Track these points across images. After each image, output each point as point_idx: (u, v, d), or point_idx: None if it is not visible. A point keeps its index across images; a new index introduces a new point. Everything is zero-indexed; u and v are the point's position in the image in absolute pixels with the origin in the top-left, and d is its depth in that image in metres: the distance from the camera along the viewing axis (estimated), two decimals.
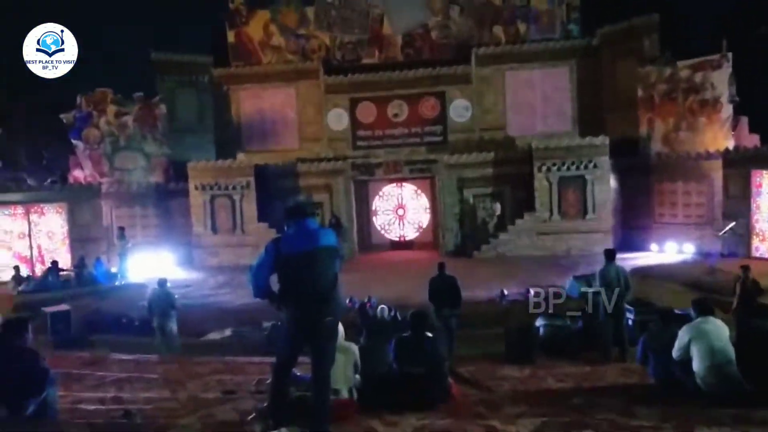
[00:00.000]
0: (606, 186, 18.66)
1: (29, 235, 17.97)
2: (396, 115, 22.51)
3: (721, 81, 17.99)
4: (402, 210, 22.64)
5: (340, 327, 4.67)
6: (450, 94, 22.28)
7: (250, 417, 4.60)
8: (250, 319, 12.01)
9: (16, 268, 16.06)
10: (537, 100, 22.24)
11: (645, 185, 19.18)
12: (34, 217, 18.08)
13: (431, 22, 22.95)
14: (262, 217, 19.80)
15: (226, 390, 6.56)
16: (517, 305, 11.91)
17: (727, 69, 17.89)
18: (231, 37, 23.55)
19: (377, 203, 22.70)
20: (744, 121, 18.52)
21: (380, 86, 22.35)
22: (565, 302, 10.62)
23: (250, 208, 19.91)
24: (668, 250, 17.76)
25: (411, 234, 22.63)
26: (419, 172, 21.18)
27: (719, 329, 5.28)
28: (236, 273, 16.76)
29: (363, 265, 18.74)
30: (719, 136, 18.03)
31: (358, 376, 5.08)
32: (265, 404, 4.59)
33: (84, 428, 4.54)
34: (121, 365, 8.64)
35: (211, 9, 24.95)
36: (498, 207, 19.67)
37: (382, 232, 22.72)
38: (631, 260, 16.10)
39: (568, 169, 18.62)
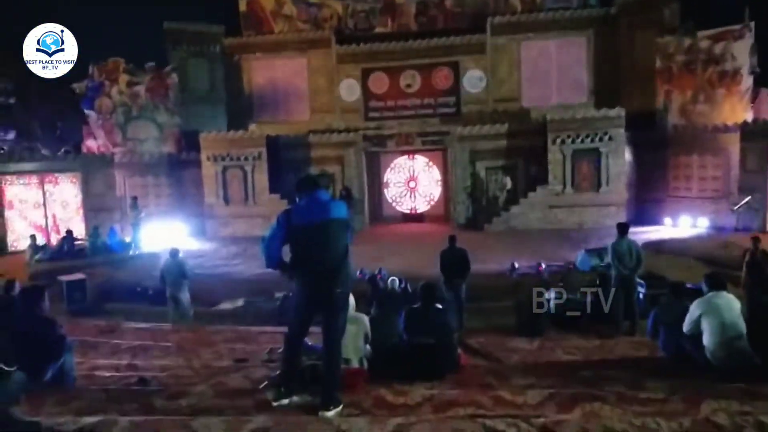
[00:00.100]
0: (621, 159, 18.44)
1: (44, 205, 18.16)
2: (408, 86, 22.29)
3: (742, 52, 17.54)
4: (413, 182, 22.57)
5: (351, 298, 4.71)
6: (464, 65, 21.98)
7: (263, 385, 4.68)
8: (262, 290, 12.13)
9: (33, 237, 16.27)
10: (552, 71, 21.85)
11: (660, 158, 18.91)
12: (48, 186, 18.25)
13: None
14: (273, 188, 19.84)
15: (238, 358, 6.67)
16: (528, 278, 11.91)
17: (748, 39, 17.43)
18: (242, 5, 23.29)
19: (389, 175, 22.63)
20: (764, 93, 18.12)
21: (393, 56, 22.09)
22: (576, 275, 10.60)
23: (262, 179, 19.94)
24: (682, 224, 17.59)
25: (422, 206, 22.59)
26: (431, 144, 21.02)
27: (731, 304, 5.26)
28: (248, 243, 16.88)
29: (374, 237, 18.78)
30: (738, 109, 17.66)
31: (368, 347, 5.13)
32: (277, 373, 4.66)
33: (100, 394, 4.65)
34: (135, 333, 8.80)
35: None
36: (508, 181, 19.53)
37: (394, 204, 22.69)
38: (644, 234, 15.98)
39: (583, 141, 18.38)
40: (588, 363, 6.24)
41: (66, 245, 16.15)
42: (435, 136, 20.77)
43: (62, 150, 21.59)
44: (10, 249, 17.51)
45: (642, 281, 9.50)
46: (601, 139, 18.28)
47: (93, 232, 16.88)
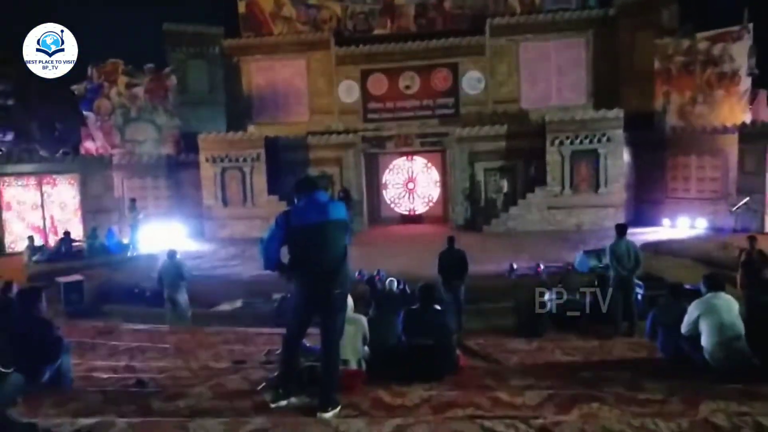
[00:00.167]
0: (619, 160, 18.45)
1: (42, 206, 18.13)
2: (408, 87, 22.31)
3: (740, 53, 17.58)
4: (412, 183, 22.56)
5: (349, 299, 4.70)
6: (463, 66, 22.01)
7: (261, 386, 4.67)
8: (260, 291, 12.12)
9: (30, 238, 16.24)
10: (551, 73, 21.88)
11: (659, 159, 18.93)
12: (46, 188, 18.22)
13: None
14: (272, 189, 19.83)
15: (236, 360, 6.66)
16: (527, 279, 11.91)
17: (747, 41, 17.46)
18: (242, 7, 23.30)
19: (387, 176, 22.62)
20: (763, 94, 18.13)
21: (392, 57, 22.11)
22: (574, 277, 10.60)
23: (261, 180, 19.93)
24: (680, 225, 17.62)
25: (421, 208, 22.59)
26: (430, 145, 21.02)
27: (729, 305, 5.26)
28: (247, 245, 16.88)
29: (373, 238, 18.78)
30: (736, 110, 17.69)
31: (366, 348, 5.12)
32: (275, 374, 4.66)
33: (97, 395, 4.63)
34: (133, 335, 8.79)
35: None
36: (505, 184, 19.56)
37: (392, 205, 22.69)
38: (642, 235, 16.00)
39: (581, 142, 18.40)
40: (587, 364, 6.24)
41: (64, 246, 16.13)
42: (434, 137, 20.77)
43: (61, 151, 21.57)
44: (8, 250, 17.47)
45: (640, 282, 9.50)
46: (599, 141, 18.30)
47: (91, 233, 16.86)
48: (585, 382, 5.00)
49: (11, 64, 22.89)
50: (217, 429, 3.68)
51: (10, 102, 28.31)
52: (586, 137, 18.33)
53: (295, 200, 4.39)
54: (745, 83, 17.67)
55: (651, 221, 18.38)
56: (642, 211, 19.06)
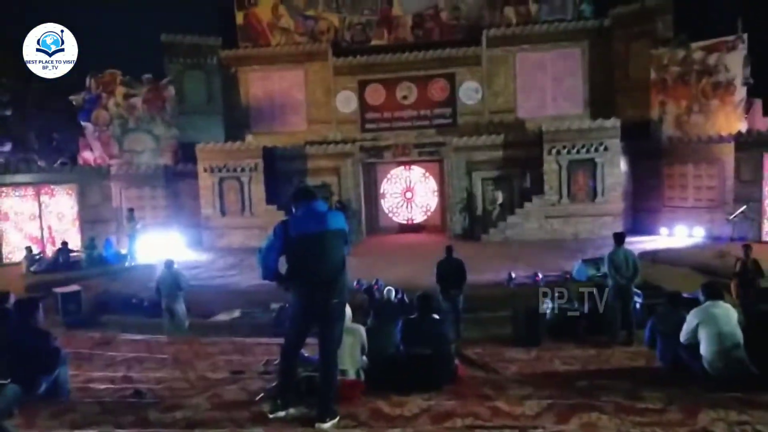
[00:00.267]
0: (616, 169, 18.51)
1: (40, 216, 18.09)
2: (405, 97, 22.40)
3: (735, 63, 17.70)
4: (410, 193, 22.60)
5: (348, 309, 4.69)
6: (460, 76, 22.12)
7: (259, 397, 4.65)
8: (258, 301, 12.09)
9: (29, 248, 16.22)
10: (548, 82, 22.00)
11: (655, 168, 19.00)
12: (44, 198, 18.19)
13: (441, 2, 22.68)
14: (270, 199, 19.84)
15: (234, 370, 6.63)
16: (525, 288, 11.90)
17: (741, 50, 17.58)
18: (240, 18, 23.41)
19: (385, 186, 22.65)
20: (758, 103, 18.23)
21: (389, 68, 22.22)
22: (573, 285, 10.60)
23: (259, 190, 19.94)
24: (678, 234, 17.64)
25: (419, 217, 22.61)
26: (428, 155, 21.07)
27: (728, 313, 5.26)
28: (245, 255, 16.86)
29: (371, 247, 18.77)
30: (732, 119, 17.79)
31: (365, 358, 5.12)
32: (274, 384, 4.64)
33: (94, 407, 4.61)
34: (131, 345, 8.75)
35: None
36: (500, 195, 19.63)
37: (390, 215, 22.70)
38: (640, 244, 16.01)
39: (578, 152, 18.46)
40: (585, 373, 6.22)
41: (61, 257, 16.10)
42: (431, 147, 20.82)
43: (58, 162, 21.59)
44: (5, 261, 17.41)
45: (639, 291, 9.50)
46: (596, 150, 18.36)
47: (89, 243, 16.84)
48: (584, 392, 4.99)
49: (8, 74, 22.90)
50: None
51: (8, 112, 28.30)
52: (583, 146, 18.40)
53: (293, 210, 4.39)
54: (740, 93, 17.77)
55: (648, 230, 18.42)
56: (639, 219, 19.11)
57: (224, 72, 23.28)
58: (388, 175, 22.56)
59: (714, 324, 5.17)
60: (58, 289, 11.84)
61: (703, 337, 5.19)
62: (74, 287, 12.09)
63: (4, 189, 17.80)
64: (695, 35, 18.69)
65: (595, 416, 4.08)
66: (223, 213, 20.10)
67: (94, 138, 20.89)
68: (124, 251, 17.26)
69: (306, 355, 4.90)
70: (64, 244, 16.52)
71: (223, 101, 23.25)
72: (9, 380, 4.32)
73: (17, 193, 17.96)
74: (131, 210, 17.79)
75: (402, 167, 22.35)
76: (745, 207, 16.03)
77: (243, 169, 19.90)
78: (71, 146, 23.57)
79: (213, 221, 20.10)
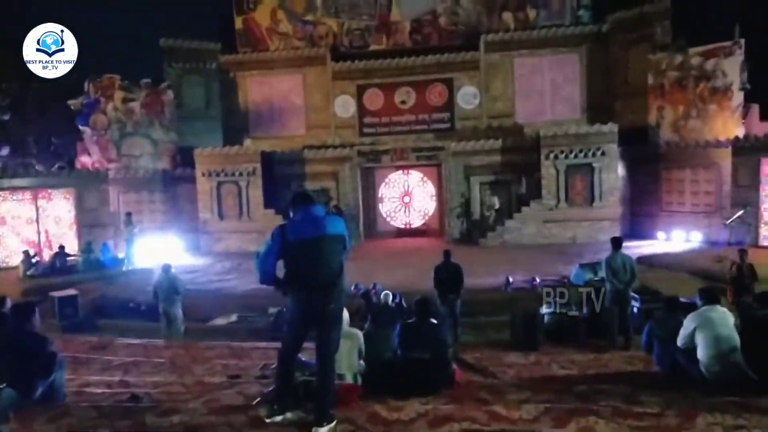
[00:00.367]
0: (614, 174, 18.56)
1: (37, 221, 18.09)
2: (403, 102, 22.45)
3: (732, 68, 17.78)
4: (408, 197, 22.62)
5: (345, 313, 4.68)
6: (458, 81, 22.19)
7: (256, 401, 4.64)
8: (255, 305, 12.08)
9: (26, 252, 16.20)
10: (546, 88, 22.08)
11: (653, 173, 19.06)
12: (42, 202, 18.19)
13: (439, 7, 22.77)
14: (268, 203, 19.84)
15: (231, 375, 6.61)
16: (523, 293, 11.90)
17: (739, 56, 17.67)
18: (238, 23, 23.47)
19: (383, 190, 22.68)
20: (755, 108, 18.34)
21: (388, 73, 22.28)
22: (570, 290, 10.58)
23: (257, 194, 19.94)
24: (675, 239, 17.68)
25: (417, 221, 22.63)
26: (426, 160, 21.12)
27: (725, 317, 5.27)
28: (242, 259, 16.84)
29: (368, 252, 18.76)
30: (729, 124, 17.85)
31: (362, 362, 5.11)
32: (271, 389, 4.63)
33: (91, 411, 4.59)
34: (127, 349, 8.71)
35: None
36: (496, 201, 19.67)
37: (388, 219, 22.72)
38: (637, 248, 16.05)
39: (576, 156, 18.51)
40: (583, 377, 6.22)
41: (58, 261, 16.09)
42: (429, 151, 20.87)
43: (56, 166, 21.60)
44: (2, 264, 17.40)
45: (636, 295, 9.49)
46: (594, 155, 18.41)
47: (86, 247, 16.82)
48: (581, 396, 4.99)
49: (8, 74, 22.91)
50: None
51: (6, 116, 28.31)
52: (580, 151, 18.44)
53: (291, 214, 4.39)
54: (738, 98, 17.85)
55: (646, 234, 18.46)
56: (637, 224, 19.15)
57: (223, 77, 23.31)
58: (387, 180, 22.59)
59: (711, 328, 5.17)
60: (55, 293, 11.84)
61: (700, 341, 5.20)
62: (71, 291, 12.09)
63: (1, 193, 17.82)
64: (693, 41, 18.80)
65: (593, 420, 4.08)
66: (221, 217, 20.09)
67: (93, 142, 20.88)
68: (121, 255, 17.25)
69: (303, 359, 4.89)
70: (61, 248, 16.50)
71: (221, 106, 23.28)
72: (5, 384, 4.30)
73: (15, 197, 17.97)
74: (129, 214, 17.79)
75: (400, 172, 22.39)
76: (742, 212, 16.09)
77: (241, 174, 19.91)
78: (69, 150, 23.59)
79: (211, 225, 20.09)
